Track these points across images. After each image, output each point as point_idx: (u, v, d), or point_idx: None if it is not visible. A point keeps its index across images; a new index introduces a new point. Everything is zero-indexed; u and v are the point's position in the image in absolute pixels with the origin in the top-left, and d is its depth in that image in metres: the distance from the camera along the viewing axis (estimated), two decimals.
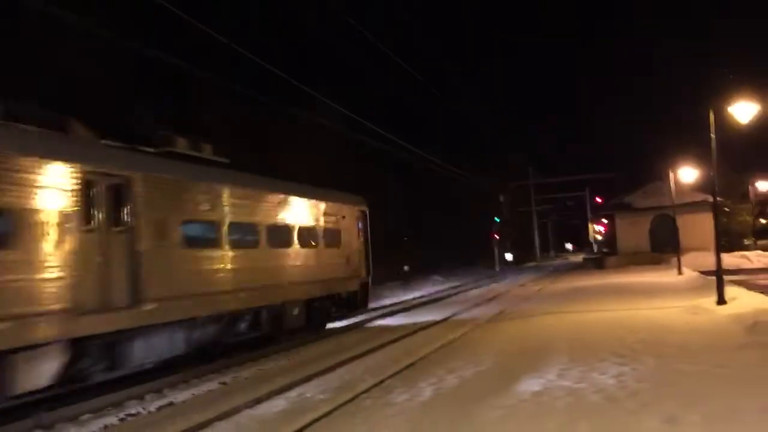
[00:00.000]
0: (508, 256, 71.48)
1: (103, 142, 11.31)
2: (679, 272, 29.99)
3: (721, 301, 15.94)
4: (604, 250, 61.09)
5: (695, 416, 6.80)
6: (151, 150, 12.42)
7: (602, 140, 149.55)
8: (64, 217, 9.48)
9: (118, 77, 28.56)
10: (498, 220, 66.25)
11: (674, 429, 6.59)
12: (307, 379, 11.43)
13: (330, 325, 18.45)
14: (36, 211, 9.07)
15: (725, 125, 16.61)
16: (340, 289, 18.60)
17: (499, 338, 13.97)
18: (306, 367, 12.81)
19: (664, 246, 41.68)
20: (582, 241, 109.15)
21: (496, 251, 63.20)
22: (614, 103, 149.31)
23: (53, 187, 9.39)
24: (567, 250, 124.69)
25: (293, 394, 10.42)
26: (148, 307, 10.89)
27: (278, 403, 9.89)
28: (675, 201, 32.88)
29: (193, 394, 11.07)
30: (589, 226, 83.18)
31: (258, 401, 9.97)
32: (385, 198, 24.03)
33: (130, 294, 10.56)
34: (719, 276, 16.41)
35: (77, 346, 9.74)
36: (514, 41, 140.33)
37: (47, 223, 9.21)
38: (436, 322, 19.08)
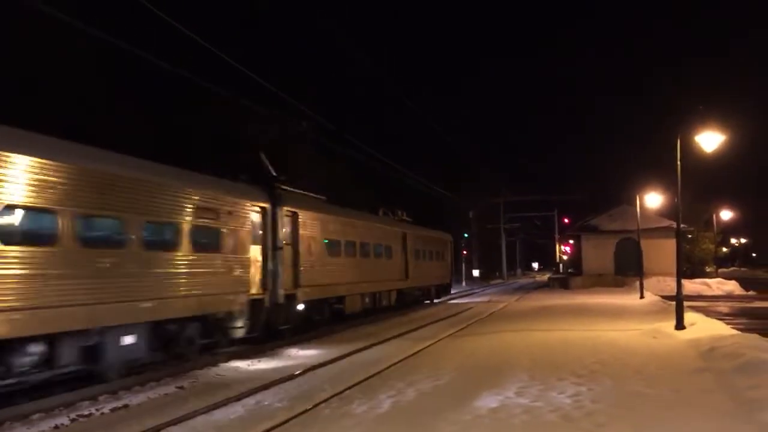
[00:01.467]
0: (475, 273, 71.81)
1: (397, 217, 29.55)
2: (641, 296, 30.42)
3: (680, 326, 16.21)
4: (570, 270, 61.68)
5: None
6: (408, 219, 30.83)
7: (572, 164, 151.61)
8: (407, 247, 28.36)
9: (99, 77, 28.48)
10: (467, 236, 66.56)
11: None
12: (265, 387, 11.35)
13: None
14: (400, 247, 27.64)
15: (692, 153, 16.94)
16: (443, 281, 36.25)
17: (461, 354, 14.00)
18: (264, 375, 12.71)
19: (628, 269, 42.26)
20: (549, 261, 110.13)
21: (464, 267, 63.42)
22: (584, 128, 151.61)
23: (400, 238, 27.83)
24: (533, 269, 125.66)
25: (251, 401, 10.35)
26: (409, 280, 28.34)
27: (235, 410, 9.80)
28: (640, 226, 33.40)
29: (149, 398, 10.90)
30: (557, 246, 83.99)
31: (215, 407, 9.87)
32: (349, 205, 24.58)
33: (404, 275, 27.75)
34: (679, 301, 16.69)
35: (400, 293, 27.74)
36: (491, 62, 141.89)
37: (404, 251, 28.10)
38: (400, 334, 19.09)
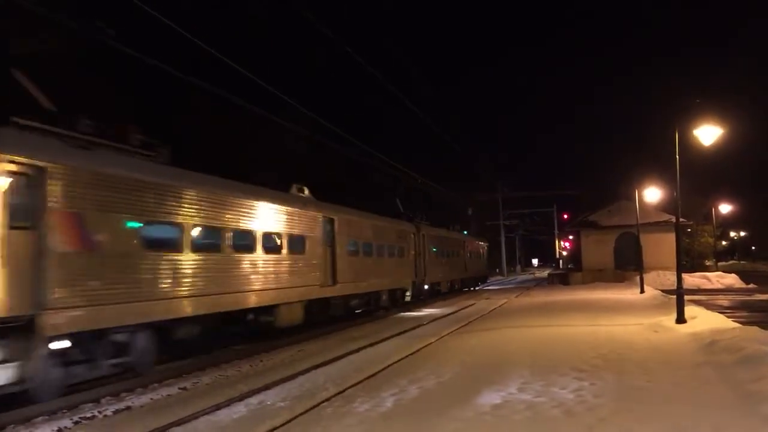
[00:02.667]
0: None
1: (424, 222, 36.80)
2: (642, 290, 30.45)
3: (681, 319, 16.22)
4: (570, 266, 61.72)
5: None
6: (428, 223, 35.81)
7: (571, 160, 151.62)
8: (465, 250, 43.52)
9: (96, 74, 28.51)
10: (466, 233, 66.56)
11: None
12: (267, 387, 11.37)
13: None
14: (462, 250, 42.60)
15: (690, 147, 16.95)
16: (482, 274, 50.76)
17: (463, 350, 14.00)
18: (266, 374, 12.74)
19: (628, 264, 42.27)
20: (548, 257, 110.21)
21: None
22: (583, 124, 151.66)
23: (461, 245, 42.85)
24: (533, 265, 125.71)
25: (254, 401, 10.37)
26: (467, 272, 43.41)
27: (238, 410, 9.81)
28: (639, 220, 33.42)
29: (152, 399, 10.92)
30: (557, 242, 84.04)
31: (217, 407, 9.87)
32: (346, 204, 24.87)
33: (464, 269, 42.88)
34: (680, 295, 16.70)
35: (462, 281, 42.49)
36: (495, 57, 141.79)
37: (464, 253, 43.12)
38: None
